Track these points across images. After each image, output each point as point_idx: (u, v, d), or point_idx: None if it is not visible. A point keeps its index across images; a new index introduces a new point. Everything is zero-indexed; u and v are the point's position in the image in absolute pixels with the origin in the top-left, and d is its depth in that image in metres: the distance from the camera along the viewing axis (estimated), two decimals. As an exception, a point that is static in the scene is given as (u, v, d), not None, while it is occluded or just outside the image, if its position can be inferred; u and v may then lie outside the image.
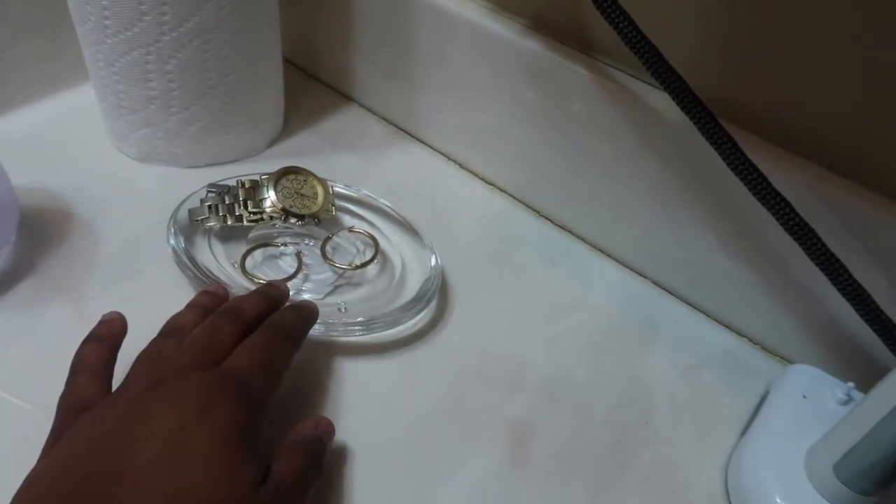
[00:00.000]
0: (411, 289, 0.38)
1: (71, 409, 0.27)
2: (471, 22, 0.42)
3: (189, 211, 0.38)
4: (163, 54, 0.39)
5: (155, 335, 0.30)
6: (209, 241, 0.39)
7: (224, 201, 0.38)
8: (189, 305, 0.32)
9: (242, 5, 0.39)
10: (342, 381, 0.35)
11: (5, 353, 0.33)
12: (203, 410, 0.25)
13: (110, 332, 0.30)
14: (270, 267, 0.39)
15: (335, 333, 0.35)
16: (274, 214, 0.38)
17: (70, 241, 0.39)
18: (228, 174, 0.41)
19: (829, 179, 0.33)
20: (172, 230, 0.37)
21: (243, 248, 0.39)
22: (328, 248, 0.39)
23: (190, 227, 0.39)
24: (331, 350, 0.36)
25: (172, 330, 0.30)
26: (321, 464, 0.28)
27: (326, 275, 0.39)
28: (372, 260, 0.39)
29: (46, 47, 0.46)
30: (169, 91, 0.40)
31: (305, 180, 0.40)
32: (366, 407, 0.34)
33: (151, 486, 0.23)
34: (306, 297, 0.35)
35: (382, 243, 0.41)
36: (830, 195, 0.33)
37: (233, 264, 0.38)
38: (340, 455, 0.32)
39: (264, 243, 0.39)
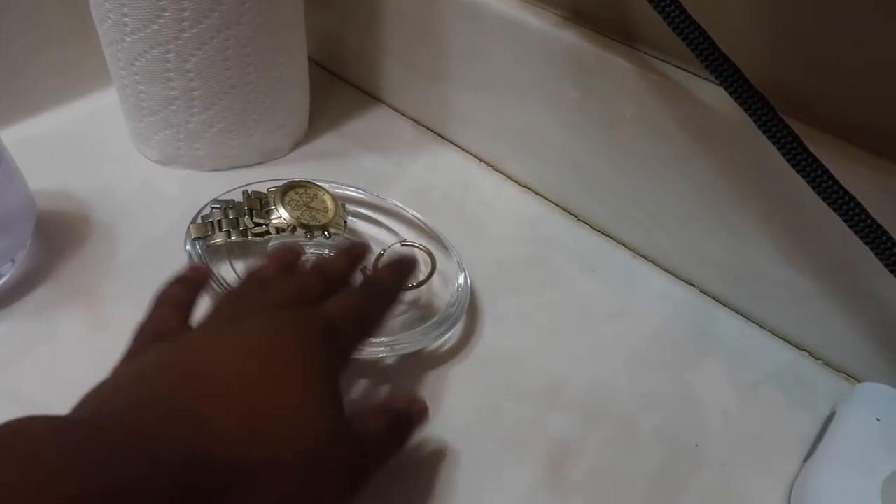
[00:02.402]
0: (438, 307, 0.36)
1: (148, 337, 0.26)
2: (504, 15, 0.39)
3: (191, 228, 0.36)
4: (183, 52, 0.37)
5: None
6: (227, 248, 0.37)
7: (227, 216, 0.36)
8: (270, 258, 0.31)
9: (265, 0, 0.38)
10: (363, 397, 0.33)
11: (20, 361, 0.32)
12: (295, 339, 0.24)
13: (196, 276, 0.30)
14: None
15: (358, 354, 0.33)
16: (280, 227, 0.36)
17: (88, 246, 0.37)
18: (252, 178, 0.40)
19: (904, 177, 0.30)
20: (190, 236, 0.35)
21: (260, 258, 0.37)
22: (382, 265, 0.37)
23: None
24: (352, 364, 0.34)
25: (254, 276, 0.29)
26: (406, 437, 0.27)
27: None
28: (429, 278, 0.36)
29: (74, 51, 0.45)
30: (189, 91, 0.39)
31: (315, 194, 0.38)
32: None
33: (232, 394, 0.22)
34: None
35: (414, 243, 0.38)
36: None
37: None
38: (363, 476, 0.29)
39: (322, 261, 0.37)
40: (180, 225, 0.37)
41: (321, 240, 0.37)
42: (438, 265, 0.38)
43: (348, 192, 0.41)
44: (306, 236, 0.37)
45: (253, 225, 0.36)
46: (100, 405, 0.21)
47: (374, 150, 0.47)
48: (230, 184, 0.39)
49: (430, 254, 0.37)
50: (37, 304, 0.34)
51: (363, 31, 0.48)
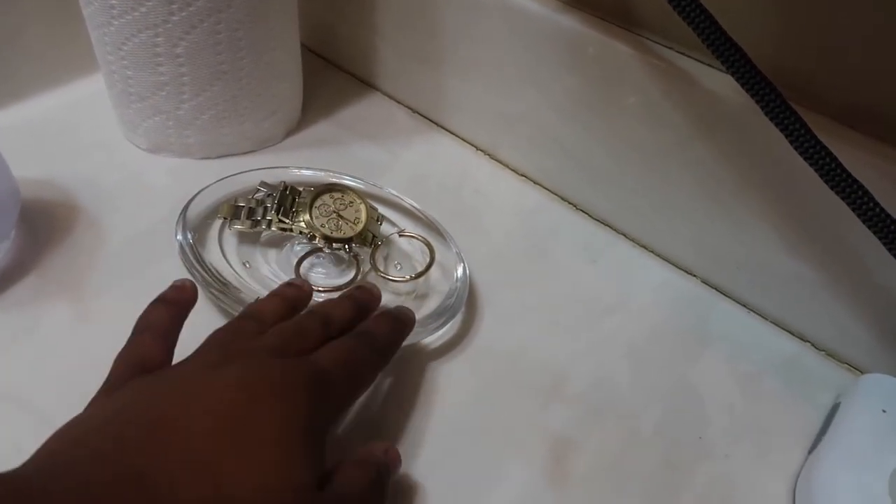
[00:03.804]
0: (435, 299, 0.35)
1: (130, 367, 0.25)
2: (502, -1, 0.38)
3: (222, 206, 0.36)
4: (172, 36, 0.36)
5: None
6: (220, 239, 0.36)
7: (263, 205, 0.35)
8: (271, 294, 0.30)
9: (257, -17, 0.37)
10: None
11: (3, 354, 0.31)
12: (277, 394, 0.23)
13: (180, 297, 0.28)
14: (320, 269, 0.36)
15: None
16: (302, 230, 0.35)
17: (74, 237, 0.36)
18: (244, 166, 0.39)
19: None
20: (181, 226, 0.34)
21: (254, 248, 0.36)
22: (379, 257, 0.36)
23: (201, 223, 0.36)
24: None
25: (252, 314, 0.28)
26: (385, 492, 0.25)
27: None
28: (427, 269, 0.35)
29: (59, 36, 0.44)
30: (179, 76, 0.38)
31: (351, 202, 0.36)
32: (386, 420, 0.31)
33: (198, 456, 0.21)
34: None
35: (405, 247, 0.37)
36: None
37: (244, 264, 0.35)
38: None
39: (316, 249, 0.36)
40: (169, 215, 0.36)
41: (342, 254, 0.36)
42: (437, 255, 0.37)
43: (343, 181, 0.39)
44: (326, 248, 0.35)
45: (278, 221, 0.35)
46: (58, 455, 0.21)
47: (368, 138, 0.46)
48: (221, 172, 0.38)
49: (428, 245, 0.36)
50: (20, 297, 0.33)
51: (357, 17, 0.47)
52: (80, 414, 0.23)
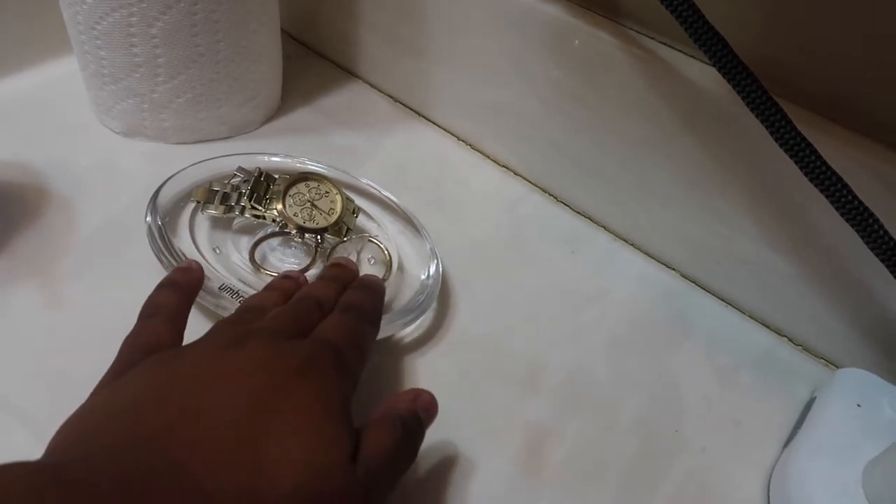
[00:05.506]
0: (406, 294, 0.34)
1: (139, 352, 0.24)
2: (486, -13, 0.38)
3: (195, 189, 0.35)
4: (147, 16, 0.35)
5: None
6: (191, 224, 0.35)
7: (238, 191, 0.35)
8: (268, 288, 0.30)
9: (235, -37, 0.36)
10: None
11: (-34, 341, 0.30)
12: (297, 371, 0.22)
13: (188, 280, 0.28)
14: (277, 256, 0.35)
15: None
16: (275, 219, 0.34)
17: (44, 220, 0.35)
18: (221, 151, 0.38)
19: (892, 159, 0.29)
20: (151, 209, 0.34)
21: (225, 235, 0.35)
22: (353, 251, 0.36)
23: (174, 207, 0.35)
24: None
25: (252, 307, 0.27)
26: (416, 445, 0.25)
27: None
28: (388, 275, 0.35)
29: (30, 14, 0.43)
30: (154, 58, 0.37)
31: (327, 192, 0.36)
32: (363, 412, 0.30)
33: (232, 444, 0.20)
34: None
35: (380, 239, 0.37)
36: (892, 176, 0.29)
37: (214, 250, 0.34)
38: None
39: (275, 233, 0.35)
40: (142, 199, 0.35)
41: (310, 241, 0.35)
42: (411, 249, 0.36)
43: (320, 170, 0.39)
44: (298, 237, 0.35)
45: (251, 208, 0.34)
46: (81, 443, 0.20)
47: (348, 127, 0.45)
48: (197, 158, 0.37)
49: (388, 255, 0.36)
50: (-13, 281, 0.32)
51: (339, 3, 0.47)
52: (89, 401, 0.22)
